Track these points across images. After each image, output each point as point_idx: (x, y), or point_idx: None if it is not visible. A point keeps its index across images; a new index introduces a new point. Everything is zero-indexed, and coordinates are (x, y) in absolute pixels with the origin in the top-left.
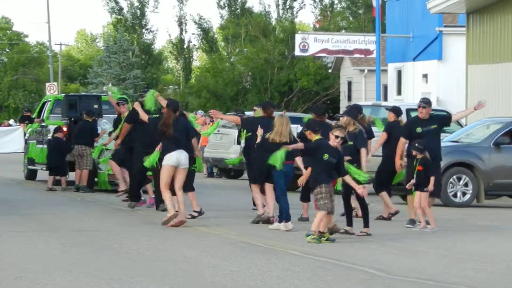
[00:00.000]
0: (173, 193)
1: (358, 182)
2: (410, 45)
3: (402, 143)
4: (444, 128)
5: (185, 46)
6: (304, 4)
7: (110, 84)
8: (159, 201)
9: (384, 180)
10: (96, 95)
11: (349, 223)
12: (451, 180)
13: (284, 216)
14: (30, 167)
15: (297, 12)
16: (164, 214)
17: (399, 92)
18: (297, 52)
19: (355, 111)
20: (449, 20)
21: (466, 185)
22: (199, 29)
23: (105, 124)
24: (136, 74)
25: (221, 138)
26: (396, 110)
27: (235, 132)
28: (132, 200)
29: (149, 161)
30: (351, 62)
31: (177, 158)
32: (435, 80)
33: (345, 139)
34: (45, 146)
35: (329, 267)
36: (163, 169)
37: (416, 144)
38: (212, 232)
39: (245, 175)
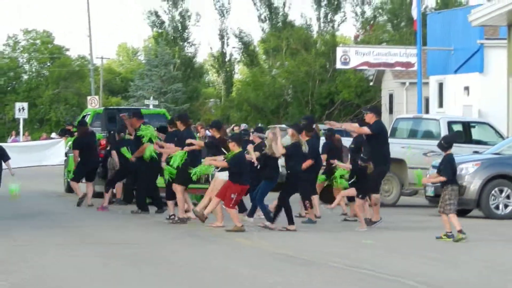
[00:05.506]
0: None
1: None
2: (452, 57)
3: None
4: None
5: (226, 60)
6: (346, 18)
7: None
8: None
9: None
10: (136, 108)
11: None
12: (493, 192)
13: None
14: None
15: (338, 25)
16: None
17: (440, 104)
18: (338, 65)
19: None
20: (490, 33)
21: (508, 197)
22: (239, 43)
23: None
24: (177, 88)
25: None
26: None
27: None
28: (142, 209)
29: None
30: (392, 75)
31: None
32: (476, 92)
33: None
34: None
35: (370, 280)
36: (221, 182)
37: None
38: (252, 244)
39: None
